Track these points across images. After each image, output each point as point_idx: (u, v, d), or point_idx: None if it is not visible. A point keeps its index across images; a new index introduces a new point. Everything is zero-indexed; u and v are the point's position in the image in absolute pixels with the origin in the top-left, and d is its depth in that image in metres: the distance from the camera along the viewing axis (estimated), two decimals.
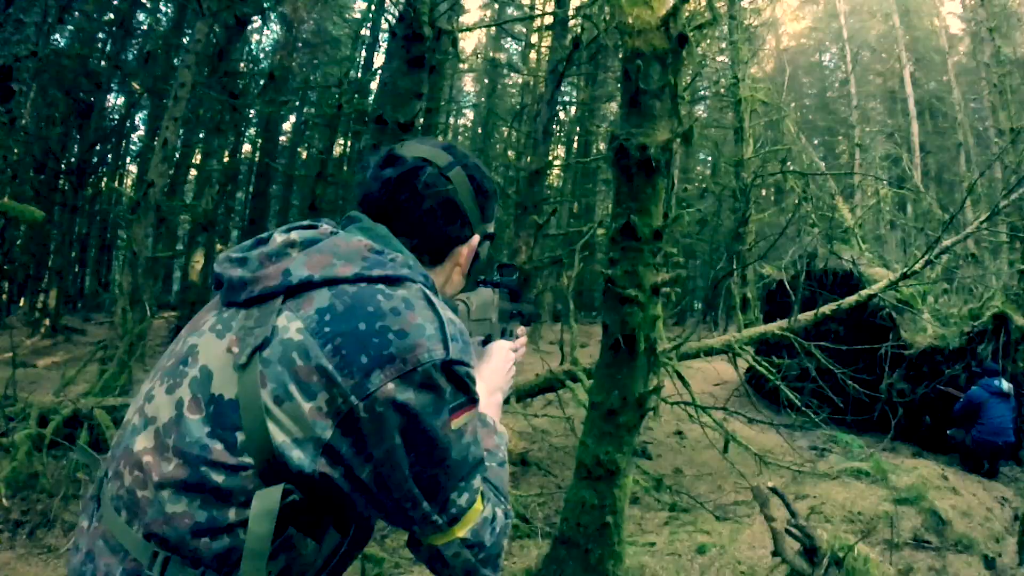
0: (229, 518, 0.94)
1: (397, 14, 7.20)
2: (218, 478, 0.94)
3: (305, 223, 1.16)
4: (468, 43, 34.42)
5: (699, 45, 21.50)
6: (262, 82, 18.85)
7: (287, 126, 26.79)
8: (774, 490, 3.18)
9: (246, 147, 24.95)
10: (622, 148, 3.62)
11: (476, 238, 1.33)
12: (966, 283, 13.94)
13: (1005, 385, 7.79)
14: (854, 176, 19.64)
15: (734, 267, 13.20)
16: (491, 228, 1.39)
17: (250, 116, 21.36)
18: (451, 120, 32.62)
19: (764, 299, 12.33)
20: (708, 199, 20.38)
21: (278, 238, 1.09)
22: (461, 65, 28.06)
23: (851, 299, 7.76)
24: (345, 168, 21.60)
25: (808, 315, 7.55)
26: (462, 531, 1.06)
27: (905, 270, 7.74)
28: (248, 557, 0.92)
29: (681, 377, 6.15)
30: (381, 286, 1.03)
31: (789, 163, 18.31)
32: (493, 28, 22.47)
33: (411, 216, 1.21)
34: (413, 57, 6.71)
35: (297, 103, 23.51)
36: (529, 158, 12.39)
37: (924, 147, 29.71)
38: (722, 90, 19.34)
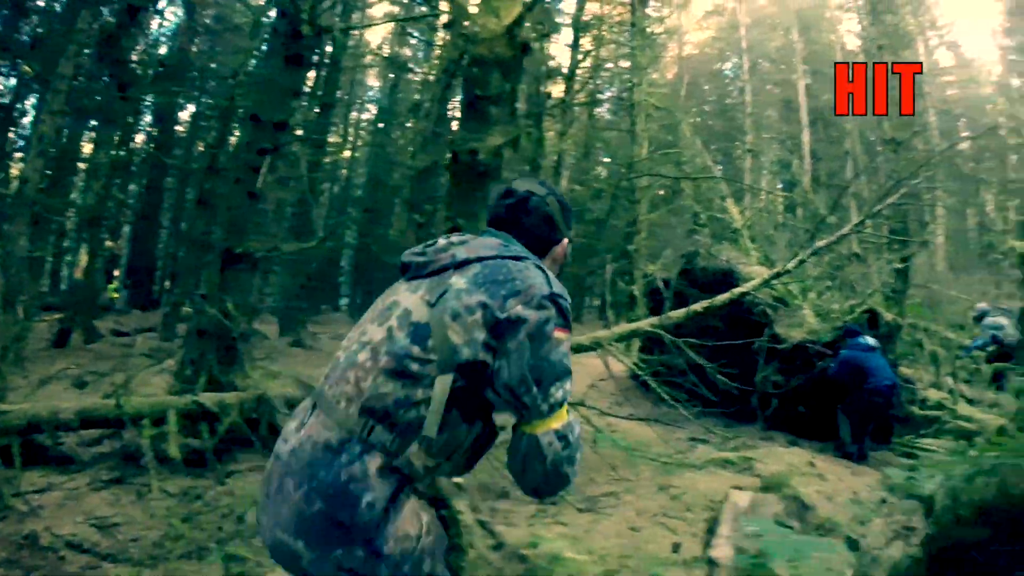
0: (418, 396, 1.54)
1: (279, 10, 7.00)
2: (414, 367, 1.55)
3: (454, 235, 1.89)
4: (374, 37, 34.11)
5: (600, 50, 22.20)
6: (155, 71, 18.08)
7: (185, 116, 25.66)
8: (459, 486, 3.01)
9: (141, 138, 23.62)
10: (455, 153, 3.62)
11: (565, 241, 1.99)
12: (849, 281, 14.84)
13: (871, 340, 8.15)
14: (744, 179, 19.86)
15: (606, 263, 13.43)
16: (572, 234, 2.06)
17: (148, 105, 20.54)
18: (352, 115, 32.16)
19: (649, 296, 12.60)
20: (602, 199, 20.59)
21: (441, 241, 1.81)
22: (367, 58, 27.64)
23: (723, 297, 7.92)
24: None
25: (680, 312, 7.68)
26: (556, 423, 1.59)
27: (777, 269, 8.06)
28: (429, 420, 1.53)
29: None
30: (509, 260, 1.68)
31: (686, 166, 18.84)
32: (395, 24, 22.18)
33: (524, 227, 1.89)
34: (292, 55, 6.53)
35: (196, 93, 22.56)
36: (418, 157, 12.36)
37: (815, 154, 31.01)
38: (623, 95, 19.54)
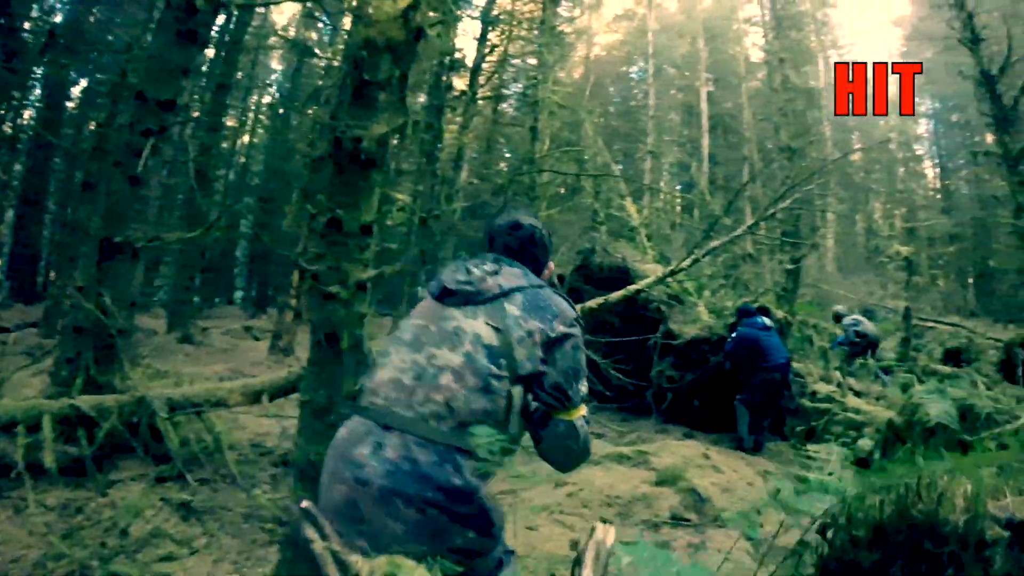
0: (499, 406, 1.86)
1: None
2: (495, 383, 1.85)
3: (475, 259, 2.15)
4: (280, 18, 32.97)
5: (508, 45, 22.13)
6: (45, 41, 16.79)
7: (77, 92, 23.57)
8: (306, 511, 2.76)
9: (28, 114, 21.74)
10: (338, 140, 3.37)
11: (552, 264, 2.43)
12: (743, 280, 15.28)
13: (767, 320, 8.31)
14: (644, 180, 20.14)
15: None
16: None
17: (37, 78, 19.22)
18: (252, 99, 30.95)
19: None
20: (502, 196, 20.47)
21: (476, 272, 2.06)
22: (271, 40, 26.64)
23: (619, 293, 7.97)
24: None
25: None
26: (582, 411, 2.02)
27: (672, 267, 8.18)
28: (512, 425, 1.90)
29: None
30: (537, 289, 2.06)
31: (587, 165, 18.99)
32: (301, 5, 21.38)
33: (531, 256, 2.25)
34: (185, 30, 6.06)
35: (90, 67, 21.16)
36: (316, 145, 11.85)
37: (714, 158, 32.04)
38: (527, 92, 19.50)
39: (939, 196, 37.39)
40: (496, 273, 2.07)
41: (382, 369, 2.01)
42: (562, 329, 2.00)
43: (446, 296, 2.06)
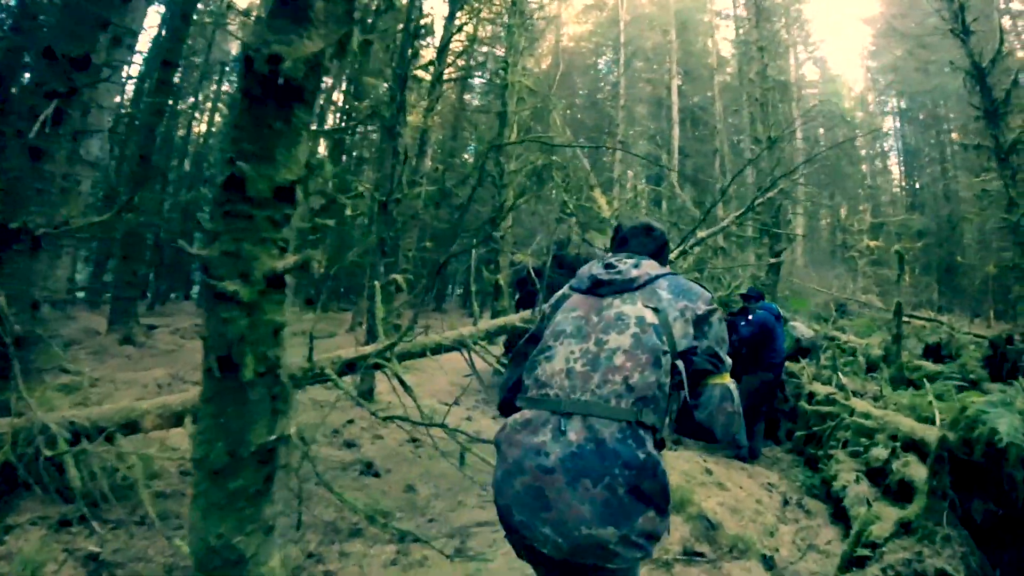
0: (664, 380, 2.02)
1: None
2: (663, 358, 2.04)
3: (621, 255, 2.42)
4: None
5: (478, 28, 21.44)
6: None
7: None
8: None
9: None
10: (248, 61, 2.06)
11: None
12: (716, 273, 14.79)
13: (778, 309, 7.87)
14: (613, 171, 19.81)
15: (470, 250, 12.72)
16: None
17: None
18: (211, 86, 29.48)
19: (516, 286, 11.88)
20: (468, 184, 20.00)
21: (620, 265, 2.32)
22: (231, 19, 25.60)
23: None
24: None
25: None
26: (729, 379, 2.21)
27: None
28: (683, 396, 2.09)
29: (403, 383, 4.98)
30: (673, 276, 2.32)
31: (555, 155, 18.68)
32: None
33: (661, 253, 2.55)
34: None
35: None
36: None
37: (683, 151, 31.66)
38: (496, 75, 18.98)
39: (903, 192, 37.80)
40: (638, 265, 2.31)
41: (549, 362, 2.12)
42: (706, 307, 2.22)
43: (599, 287, 2.27)
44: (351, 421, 7.37)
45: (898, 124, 41.04)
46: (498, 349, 11.78)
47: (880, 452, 5.49)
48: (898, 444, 5.42)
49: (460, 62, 19.77)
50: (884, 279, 25.34)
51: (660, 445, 1.99)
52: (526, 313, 6.79)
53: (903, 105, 39.75)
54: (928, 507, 3.55)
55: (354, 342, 10.15)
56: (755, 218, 13.13)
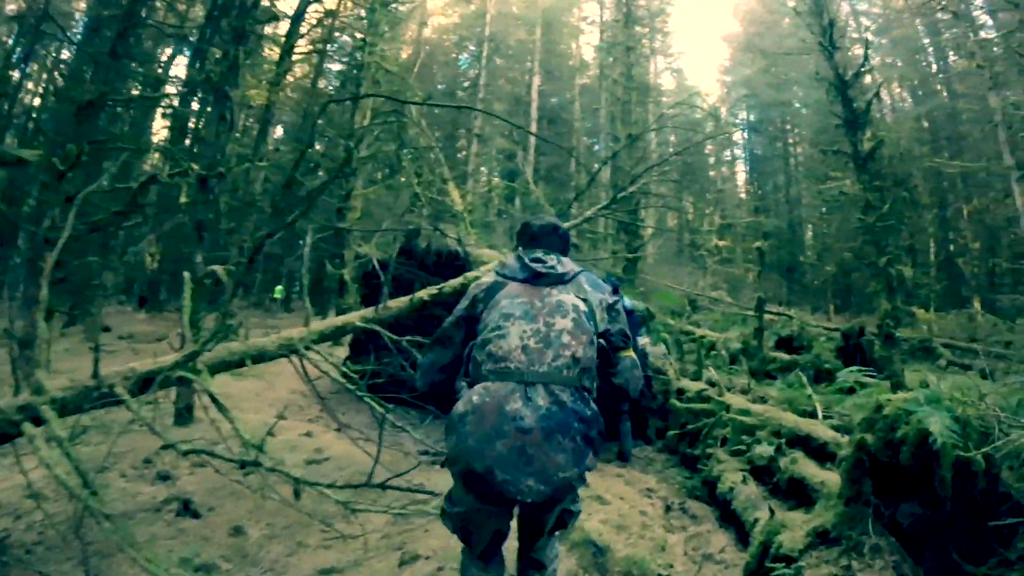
0: (593, 354, 2.50)
1: None
2: (593, 338, 2.52)
3: (539, 254, 2.74)
4: None
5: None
6: None
7: None
8: None
9: None
10: None
11: None
12: None
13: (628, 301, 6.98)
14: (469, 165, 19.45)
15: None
16: None
17: None
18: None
19: (362, 281, 10.93)
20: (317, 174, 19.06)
21: (549, 260, 2.69)
22: None
23: (455, 282, 6.38)
24: None
25: (402, 301, 5.99)
26: (633, 352, 2.74)
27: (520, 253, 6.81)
28: (597, 373, 2.56)
29: (215, 400, 3.99)
30: (587, 272, 2.75)
31: (410, 146, 17.96)
32: None
33: (566, 249, 2.87)
34: None
35: None
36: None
37: (540, 149, 31.47)
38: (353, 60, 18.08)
39: (749, 197, 39.80)
40: (561, 262, 2.71)
41: (504, 340, 2.44)
42: (613, 297, 2.75)
43: (538, 278, 2.63)
44: (168, 447, 5.95)
45: (746, 136, 43.37)
46: (343, 351, 10.79)
47: (764, 449, 4.96)
48: (783, 440, 4.94)
49: (316, 33, 18.42)
50: (732, 276, 26.22)
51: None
52: (367, 311, 5.83)
53: (752, 118, 41.80)
54: (847, 515, 3.00)
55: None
56: (611, 215, 12.95)
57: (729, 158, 44.28)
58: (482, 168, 31.53)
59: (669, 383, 7.66)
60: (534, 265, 2.63)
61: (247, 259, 5.08)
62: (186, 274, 5.05)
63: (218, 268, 6.99)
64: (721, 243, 27.18)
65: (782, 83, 36.16)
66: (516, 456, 2.19)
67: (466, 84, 37.78)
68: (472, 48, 38.31)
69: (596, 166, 22.30)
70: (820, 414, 5.36)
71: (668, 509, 5.18)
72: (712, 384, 7.06)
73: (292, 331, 5.08)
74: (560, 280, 2.61)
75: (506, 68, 37.34)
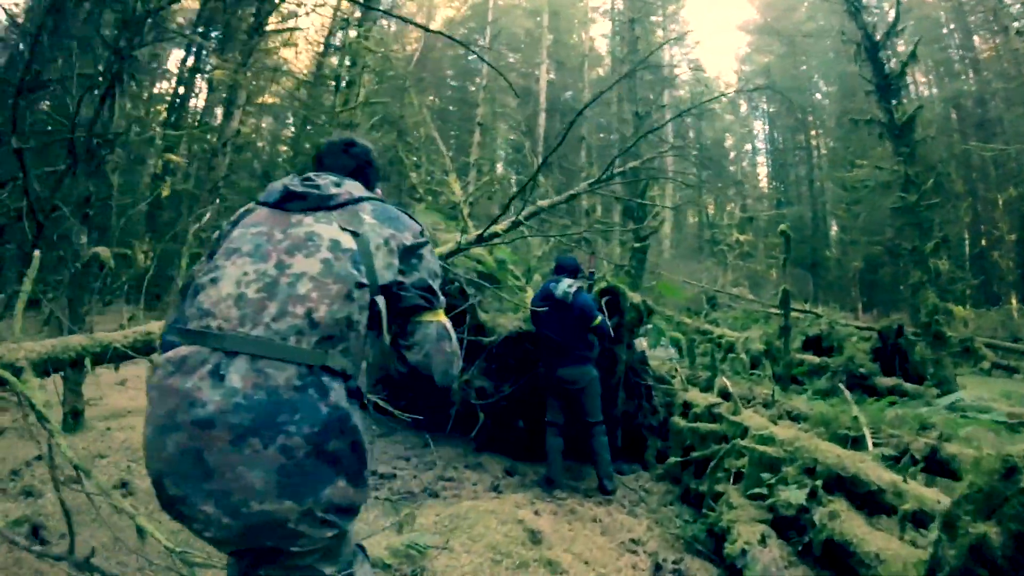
0: (358, 318, 1.68)
1: None
2: (356, 293, 1.67)
3: (311, 173, 1.99)
4: None
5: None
6: None
7: None
8: None
9: None
10: None
11: (379, 189, 2.25)
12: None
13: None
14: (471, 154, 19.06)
15: None
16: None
17: None
18: None
19: None
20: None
21: (323, 180, 1.93)
22: None
23: None
24: None
25: None
26: (444, 317, 1.95)
27: (480, 231, 5.67)
28: (383, 338, 1.77)
29: (34, 407, 2.96)
30: (379, 201, 1.98)
31: (409, 137, 18.18)
32: None
33: (364, 174, 2.14)
34: None
35: None
36: None
37: (548, 140, 30.46)
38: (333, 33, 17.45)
39: (767, 189, 38.64)
40: (340, 184, 1.94)
41: (214, 286, 1.66)
42: (415, 238, 1.93)
43: (291, 200, 1.85)
44: (40, 458, 4.85)
45: (767, 127, 42.12)
46: None
47: (793, 494, 3.54)
48: (818, 483, 3.52)
49: (286, 8, 17.30)
50: (754, 272, 24.93)
51: (356, 395, 1.64)
52: None
53: (772, 109, 40.58)
54: None
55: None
56: (607, 193, 11.90)
57: (749, 150, 43.12)
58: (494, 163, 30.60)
59: (674, 394, 6.29)
60: (290, 184, 1.88)
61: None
62: (36, 252, 3.82)
63: (102, 250, 5.83)
64: (742, 237, 25.83)
65: (802, 73, 34.98)
66: (190, 464, 1.45)
67: (479, 80, 37.06)
68: (482, 42, 37.46)
69: (597, 165, 21.48)
70: (870, 442, 3.91)
71: (658, 569, 3.81)
72: (726, 396, 5.60)
73: (154, 324, 4.06)
74: (323, 204, 1.83)
75: (519, 63, 36.58)
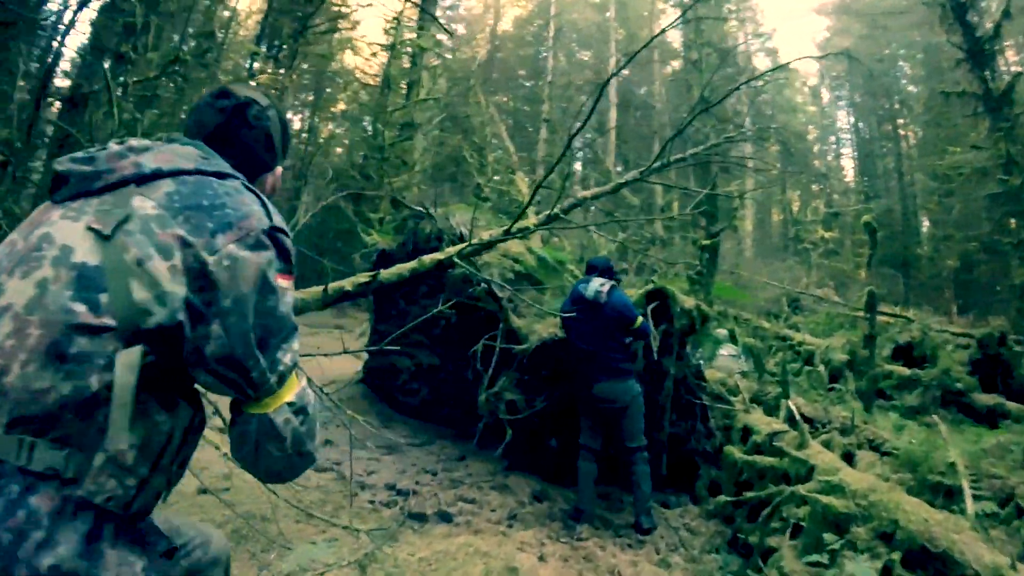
0: (93, 386, 1.03)
1: None
2: (81, 341, 1.04)
3: (133, 141, 1.29)
4: None
5: None
6: None
7: None
8: None
9: None
10: None
11: (280, 169, 1.62)
12: (650, 263, 13.31)
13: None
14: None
15: None
16: (286, 163, 1.70)
17: None
18: None
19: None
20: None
21: (115, 146, 1.26)
22: None
23: (434, 256, 4.96)
24: None
25: (391, 271, 4.83)
26: (289, 394, 1.24)
27: (494, 232, 5.16)
28: (114, 421, 1.03)
29: None
30: (212, 178, 1.26)
31: (475, 136, 17.68)
32: None
33: (237, 142, 1.46)
34: None
35: None
36: None
37: (621, 135, 29.92)
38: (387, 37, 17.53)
39: (853, 182, 36.87)
40: (147, 149, 1.26)
41: None
42: (232, 250, 1.16)
43: (57, 185, 1.24)
44: None
45: (852, 118, 40.19)
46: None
47: (860, 569, 2.67)
48: (895, 556, 2.64)
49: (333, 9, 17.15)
50: (839, 272, 23.50)
51: (101, 519, 1.04)
52: (361, 276, 4.71)
53: (857, 99, 38.63)
54: None
55: None
56: (685, 190, 11.31)
57: (834, 142, 41.23)
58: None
59: (733, 415, 5.43)
60: (57, 162, 1.25)
61: None
62: None
63: None
64: (827, 234, 24.44)
65: (886, 56, 33.04)
66: None
67: (549, 79, 36.72)
68: (550, 40, 37.22)
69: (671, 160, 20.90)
70: (968, 501, 2.99)
71: None
72: (793, 422, 4.70)
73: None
74: (87, 186, 1.19)
75: (588, 60, 36.36)
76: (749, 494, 4.16)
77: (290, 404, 1.24)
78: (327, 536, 3.74)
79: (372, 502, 4.77)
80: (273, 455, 1.24)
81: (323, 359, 3.78)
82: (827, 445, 4.47)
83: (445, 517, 4.59)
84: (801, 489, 3.35)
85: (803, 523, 3.29)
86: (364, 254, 8.83)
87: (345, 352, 3.69)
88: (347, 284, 4.37)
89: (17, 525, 0.96)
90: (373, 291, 4.76)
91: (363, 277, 4.52)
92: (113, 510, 1.06)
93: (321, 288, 4.09)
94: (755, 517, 3.98)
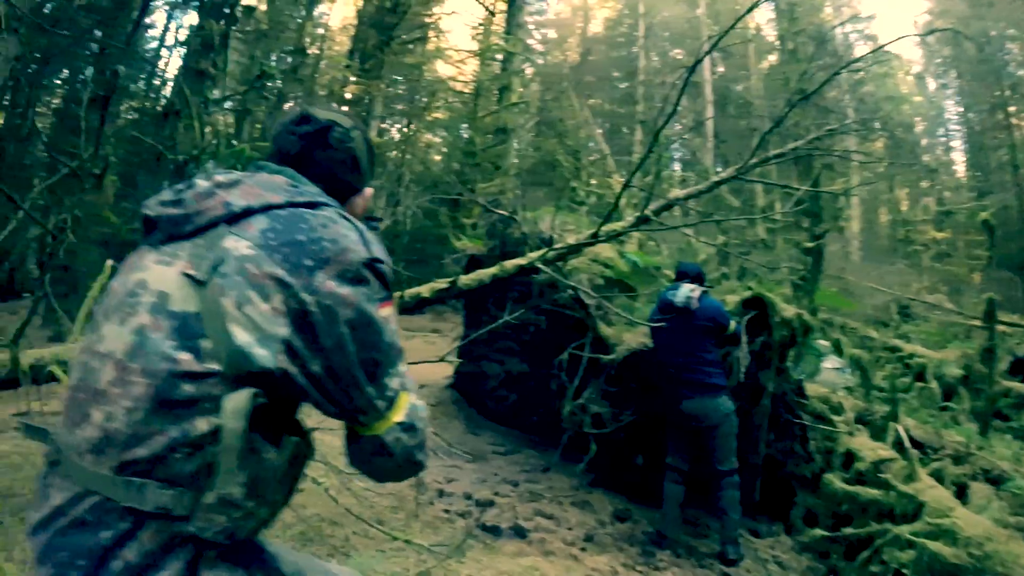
0: (200, 429, 1.04)
1: None
2: (187, 388, 1.04)
3: (221, 175, 1.26)
4: None
5: None
6: None
7: None
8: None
9: None
10: None
11: (369, 190, 1.57)
12: (751, 268, 12.38)
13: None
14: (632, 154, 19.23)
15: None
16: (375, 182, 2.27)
17: None
18: None
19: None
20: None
21: (202, 183, 1.23)
22: None
23: (516, 261, 4.92)
24: None
25: (471, 277, 5.11)
26: (398, 415, 1.23)
27: (581, 235, 5.03)
28: (223, 461, 1.03)
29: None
30: (305, 209, 1.21)
31: (568, 140, 17.20)
32: None
33: (321, 166, 1.41)
34: None
35: None
36: None
37: (719, 135, 29.00)
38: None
39: (965, 178, 34.81)
40: (234, 184, 1.23)
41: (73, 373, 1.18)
42: (334, 287, 1.13)
43: (149, 229, 1.24)
44: None
45: (960, 108, 37.82)
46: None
47: None
48: None
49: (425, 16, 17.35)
50: (952, 276, 22.11)
51: (201, 550, 1.07)
52: (442, 281, 4.60)
53: (964, 84, 36.31)
54: None
55: None
56: (786, 188, 10.87)
57: (943, 134, 38.92)
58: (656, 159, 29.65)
59: (836, 437, 5.07)
60: (147, 205, 1.24)
61: None
62: (109, 263, 3.60)
63: None
64: (939, 235, 23.10)
65: (992, 40, 30.82)
66: None
67: (642, 77, 36.19)
68: (642, 40, 36.71)
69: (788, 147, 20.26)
70: None
71: None
72: (901, 449, 4.33)
73: None
74: (178, 230, 1.18)
75: (680, 57, 34.93)
76: (848, 530, 3.85)
77: (400, 424, 1.25)
78: (395, 546, 3.69)
79: (447, 511, 4.73)
80: (385, 467, 1.28)
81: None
82: (938, 475, 4.10)
83: (520, 532, 4.49)
84: (907, 531, 3.05)
85: (906, 570, 2.98)
86: (455, 259, 8.88)
87: (440, 360, 3.68)
88: (424, 291, 4.37)
89: (126, 558, 1.00)
90: (462, 297, 4.75)
91: (441, 283, 4.52)
92: (216, 540, 1.07)
93: (397, 295, 4.06)
94: (853, 556, 3.68)
